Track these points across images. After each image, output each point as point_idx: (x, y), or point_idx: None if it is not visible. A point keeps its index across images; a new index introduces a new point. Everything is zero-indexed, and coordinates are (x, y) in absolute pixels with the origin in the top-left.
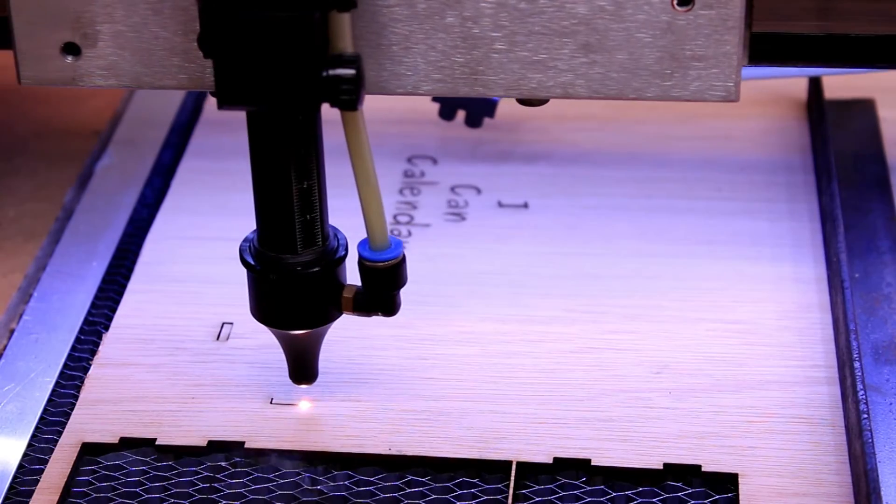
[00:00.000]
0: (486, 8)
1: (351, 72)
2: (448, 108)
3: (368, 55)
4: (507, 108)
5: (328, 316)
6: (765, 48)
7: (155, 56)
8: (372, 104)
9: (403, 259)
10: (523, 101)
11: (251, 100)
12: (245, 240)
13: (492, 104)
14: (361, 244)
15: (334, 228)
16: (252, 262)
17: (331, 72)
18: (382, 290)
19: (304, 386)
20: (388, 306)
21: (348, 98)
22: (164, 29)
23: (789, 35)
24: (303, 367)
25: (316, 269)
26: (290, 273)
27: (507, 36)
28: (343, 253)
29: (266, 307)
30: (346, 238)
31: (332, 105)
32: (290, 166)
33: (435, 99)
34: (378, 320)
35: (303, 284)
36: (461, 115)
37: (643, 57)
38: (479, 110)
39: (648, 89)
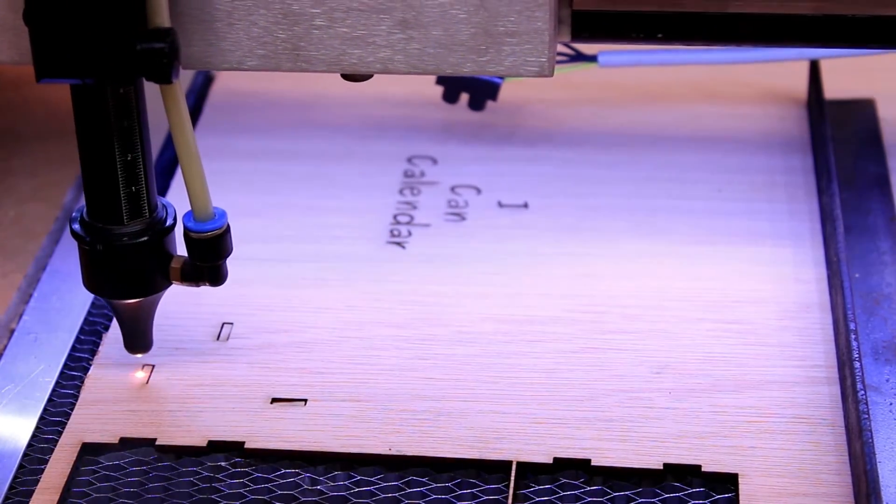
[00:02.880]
0: None
1: (163, 45)
2: (451, 91)
3: (193, 31)
4: (506, 108)
5: (157, 286)
6: (592, 25)
7: None
8: (370, 106)
9: (227, 229)
10: (347, 77)
11: (68, 72)
12: (76, 211)
13: (495, 87)
14: (186, 215)
15: (163, 200)
16: (81, 234)
17: (144, 45)
18: (208, 259)
19: (138, 355)
20: (215, 276)
21: (162, 71)
22: None
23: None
24: (136, 337)
25: (143, 238)
26: (118, 243)
27: (326, 12)
28: (171, 223)
29: (95, 278)
30: (174, 209)
31: (148, 78)
32: (113, 139)
33: (439, 81)
34: (378, 320)
35: (130, 254)
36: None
37: (458, 33)
38: (481, 93)
39: (465, 65)
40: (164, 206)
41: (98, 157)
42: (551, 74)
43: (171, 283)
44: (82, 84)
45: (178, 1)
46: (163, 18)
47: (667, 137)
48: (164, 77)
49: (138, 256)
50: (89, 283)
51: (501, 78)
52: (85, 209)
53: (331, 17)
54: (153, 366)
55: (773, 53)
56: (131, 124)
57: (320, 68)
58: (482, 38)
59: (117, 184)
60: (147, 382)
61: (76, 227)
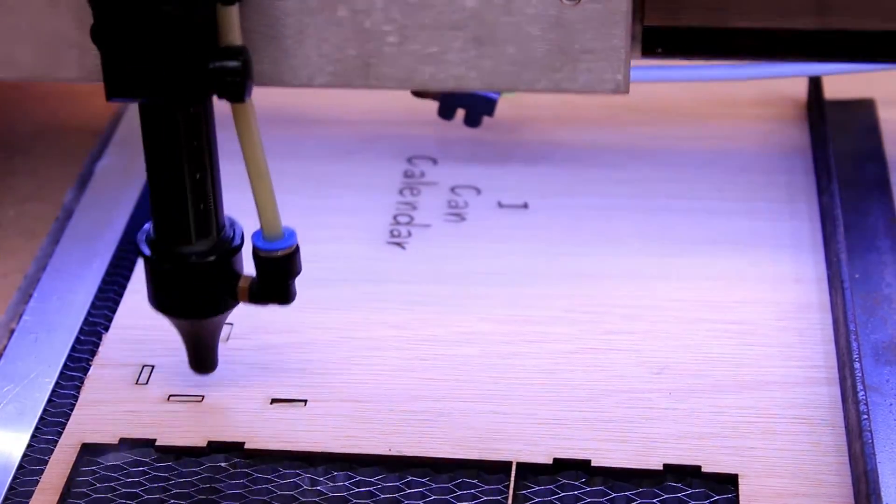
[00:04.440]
0: (378, 2)
1: (236, 63)
2: (447, 107)
3: (262, 48)
4: (506, 107)
5: (224, 305)
6: (659, 41)
7: (52, 48)
8: (370, 106)
9: (297, 249)
10: (417, 94)
11: (138, 91)
12: (142, 230)
13: (491, 103)
14: (255, 235)
15: (230, 219)
16: (147, 253)
17: (217, 63)
18: (276, 279)
19: (203, 376)
20: (283, 296)
21: (235, 90)
22: (61, 21)
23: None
24: (202, 357)
25: (210, 258)
26: (185, 263)
27: (399, 30)
28: (238, 243)
29: (162, 296)
30: (242, 228)
31: (220, 96)
32: (182, 157)
33: (434, 97)
34: (378, 320)
35: (197, 274)
36: (460, 116)
37: (533, 50)
38: (478, 109)
39: (539, 81)
40: (231, 224)
41: (167, 176)
42: (627, 91)
43: (237, 303)
44: (152, 103)
45: (248, 18)
46: (235, 36)
47: (667, 137)
48: (238, 96)
49: (205, 276)
50: (156, 301)
51: (498, 94)
52: (151, 227)
53: (403, 35)
54: (153, 366)
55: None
56: (200, 143)
57: (391, 85)
58: (557, 55)
59: (186, 203)
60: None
61: (143, 246)
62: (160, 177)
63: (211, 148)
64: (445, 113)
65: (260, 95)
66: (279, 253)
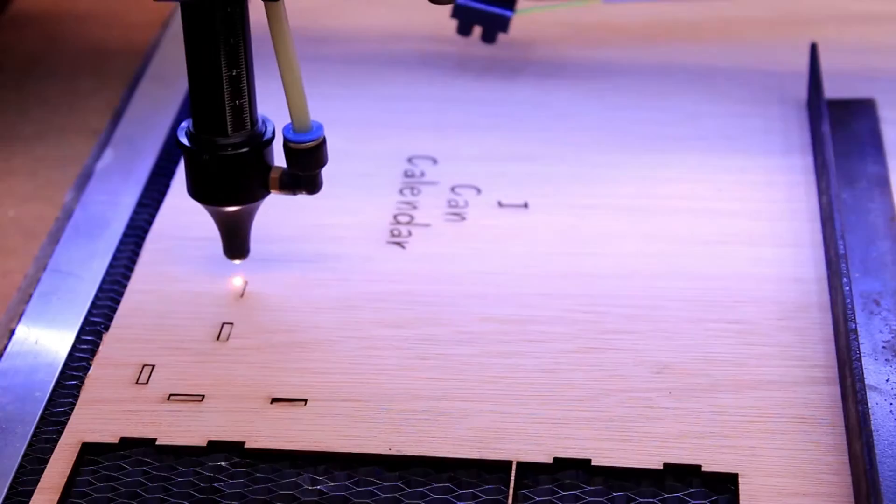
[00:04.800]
0: None
1: None
2: (465, 24)
3: None
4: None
5: (257, 194)
6: None
7: None
8: (375, 94)
9: (324, 141)
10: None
11: None
12: (180, 127)
13: (505, 20)
14: (286, 128)
15: (263, 116)
16: (187, 144)
17: None
18: (306, 169)
19: (237, 262)
20: (312, 185)
21: None
22: None
23: None
24: (235, 244)
25: (245, 149)
26: (221, 153)
27: None
28: (270, 136)
29: (200, 185)
30: (273, 125)
31: None
32: (220, 55)
33: (453, 15)
34: (378, 320)
35: (233, 163)
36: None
37: None
38: (493, 26)
39: None
40: (263, 121)
41: (205, 72)
42: None
43: (269, 192)
44: (194, 3)
45: None
46: None
47: (667, 137)
48: None
49: (240, 166)
50: (194, 191)
51: (512, 10)
52: (191, 121)
53: None
54: (153, 366)
55: None
56: (237, 41)
57: None
58: None
59: (223, 97)
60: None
61: (183, 138)
62: (200, 73)
63: (246, 47)
64: (463, 30)
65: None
66: (308, 144)
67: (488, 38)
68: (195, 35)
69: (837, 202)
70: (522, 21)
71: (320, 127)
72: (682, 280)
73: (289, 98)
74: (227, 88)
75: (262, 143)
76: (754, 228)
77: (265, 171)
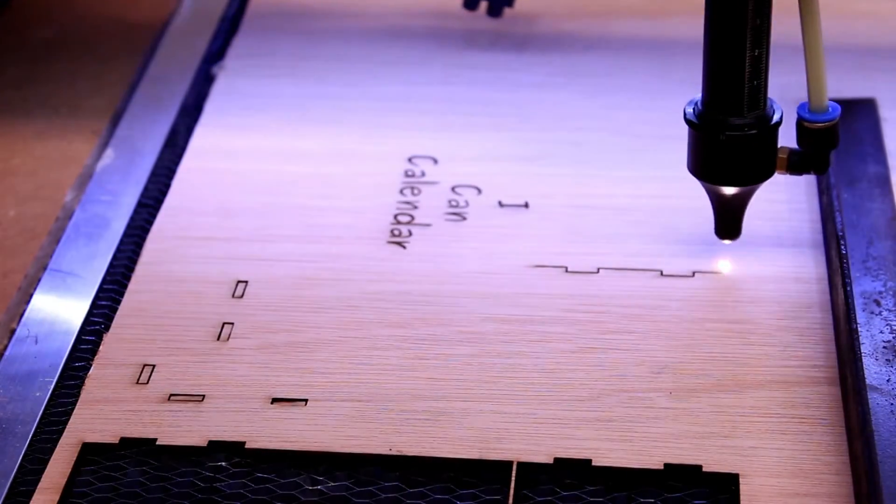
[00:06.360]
0: None
1: None
2: None
3: None
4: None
5: (761, 175)
6: None
7: None
8: (375, 94)
9: (838, 122)
10: None
11: None
12: (689, 103)
13: None
14: (801, 106)
15: (770, 98)
16: (698, 123)
17: None
18: (819, 148)
19: (726, 242)
20: (822, 165)
21: None
22: None
23: None
24: (729, 224)
25: (757, 130)
26: (736, 133)
27: None
28: (778, 119)
29: (707, 164)
30: (780, 107)
31: None
32: (745, 35)
33: None
34: (378, 320)
35: (746, 144)
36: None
37: None
38: (499, 0)
39: None
40: (771, 103)
41: (728, 52)
42: None
43: (771, 175)
44: None
45: None
46: None
47: (667, 137)
48: None
49: (753, 147)
50: (698, 169)
51: None
52: (701, 100)
53: None
54: (153, 366)
55: None
56: (763, 22)
57: None
58: None
59: (743, 77)
60: (147, 382)
61: (692, 118)
62: (722, 53)
63: (769, 28)
64: (470, 4)
65: (262, 92)
66: (824, 124)
67: (494, 12)
68: (723, 14)
69: (838, 202)
70: None
71: (837, 107)
72: (681, 280)
73: (810, 77)
74: (747, 69)
75: (773, 125)
76: (754, 228)
77: (772, 153)
